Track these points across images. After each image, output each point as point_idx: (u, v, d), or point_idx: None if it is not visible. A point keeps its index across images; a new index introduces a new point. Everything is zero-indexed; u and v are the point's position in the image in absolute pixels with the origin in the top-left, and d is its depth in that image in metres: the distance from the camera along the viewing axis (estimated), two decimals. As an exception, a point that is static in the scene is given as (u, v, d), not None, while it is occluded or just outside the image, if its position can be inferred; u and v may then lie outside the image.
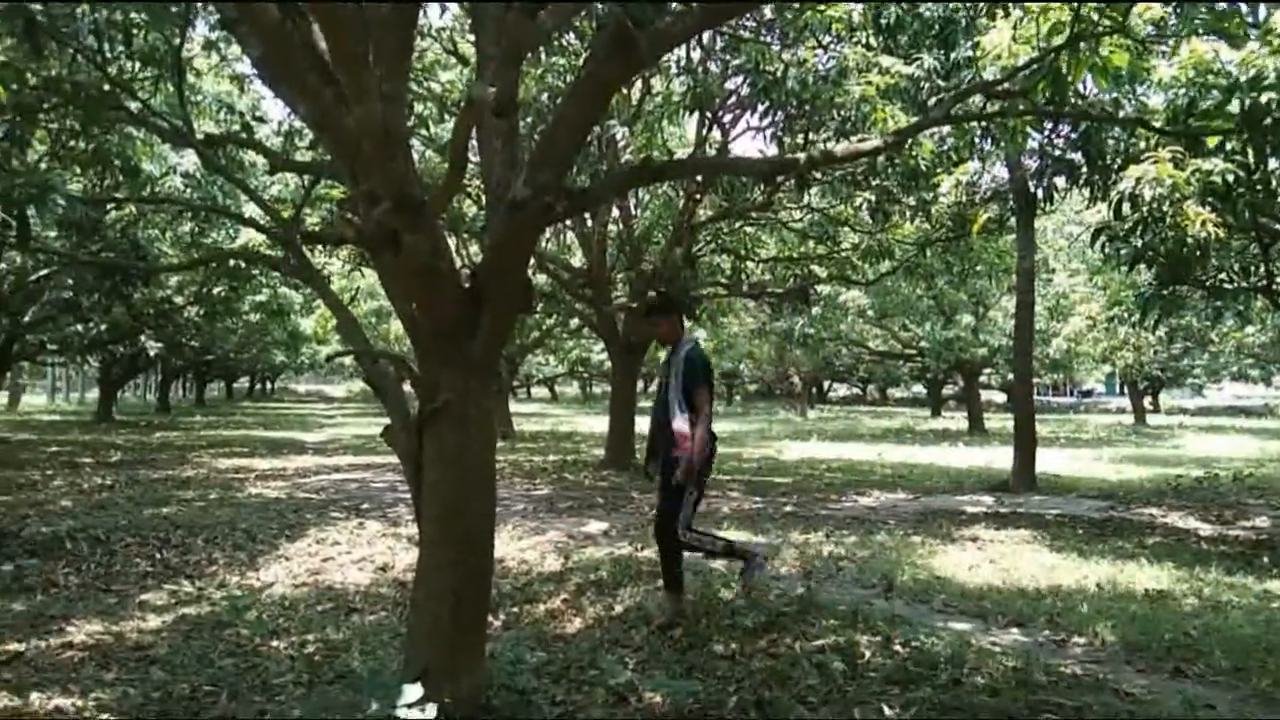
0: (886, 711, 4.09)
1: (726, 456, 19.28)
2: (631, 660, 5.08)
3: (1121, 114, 7.81)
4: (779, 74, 7.86)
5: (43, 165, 14.80)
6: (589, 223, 14.46)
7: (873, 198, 9.84)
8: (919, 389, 51.44)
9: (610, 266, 16.09)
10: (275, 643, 6.23)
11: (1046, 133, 8.31)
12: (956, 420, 33.08)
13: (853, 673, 4.56)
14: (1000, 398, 42.91)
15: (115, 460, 17.10)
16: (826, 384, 61.11)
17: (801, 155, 4.70)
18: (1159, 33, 7.18)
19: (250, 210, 13.48)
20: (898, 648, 4.93)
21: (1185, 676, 4.85)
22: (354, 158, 3.75)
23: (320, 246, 14.70)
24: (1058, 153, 8.12)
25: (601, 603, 6.49)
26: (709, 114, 11.62)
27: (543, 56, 9.16)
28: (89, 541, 9.04)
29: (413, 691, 4.19)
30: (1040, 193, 9.90)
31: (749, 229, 16.68)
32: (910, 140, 8.45)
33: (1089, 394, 64.18)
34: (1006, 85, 5.53)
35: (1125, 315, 15.82)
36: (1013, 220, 12.96)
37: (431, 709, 4.18)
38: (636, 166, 6.93)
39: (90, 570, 8.17)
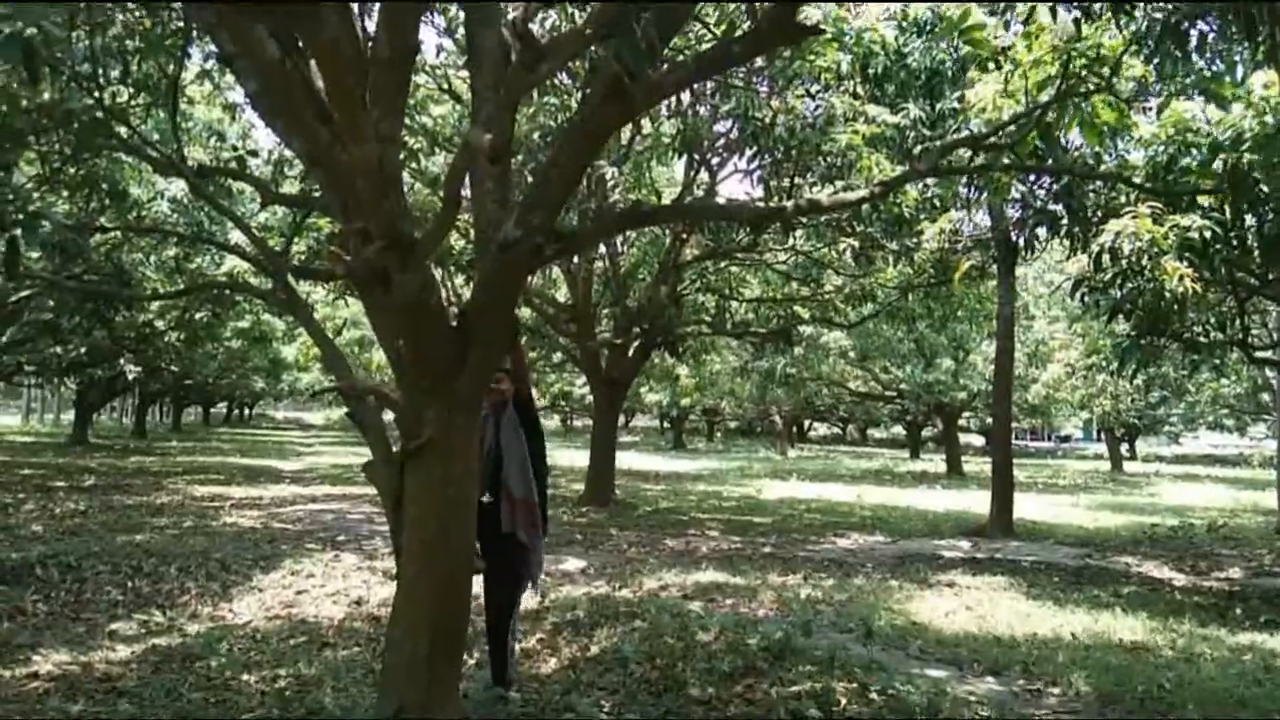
0: (862, 760, 4.08)
1: (705, 495, 19.28)
2: (607, 703, 5.05)
3: (1102, 169, 7.96)
4: (768, 120, 7.96)
5: (29, 188, 14.82)
6: (575, 260, 14.52)
7: (856, 244, 9.95)
8: (899, 430, 51.60)
9: (595, 302, 16.14)
10: (246, 676, 6.15)
11: (1029, 185, 8.44)
12: (935, 462, 33.18)
13: (829, 720, 4.55)
14: (979, 441, 43.14)
15: (89, 485, 16.90)
16: (807, 423, 61.25)
17: (789, 204, 4.76)
18: (1143, 90, 7.35)
19: (236, 237, 13.48)
20: (874, 695, 4.93)
21: (1158, 729, 4.88)
22: (347, 195, 3.79)
23: (315, 280, 14.70)
24: (1040, 204, 8.23)
25: (577, 643, 6.45)
26: (697, 156, 11.76)
27: (534, 95, 9.26)
28: (59, 568, 8.91)
29: (386, 730, 4.17)
30: (1022, 242, 10.03)
31: (734, 269, 16.79)
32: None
33: (1066, 439, 64.57)
34: (994, 139, 5.63)
35: (1103, 364, 15.98)
36: (994, 267, 13.12)
37: (404, 748, 4.16)
38: (625, 211, 7.01)
39: (60, 598, 8.04)
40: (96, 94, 5.12)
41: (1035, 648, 6.52)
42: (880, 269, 14.75)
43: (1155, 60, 6.30)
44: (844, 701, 4.81)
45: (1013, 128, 5.95)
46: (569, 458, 29.38)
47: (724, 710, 4.80)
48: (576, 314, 15.39)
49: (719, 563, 10.04)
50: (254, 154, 8.20)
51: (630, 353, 15.40)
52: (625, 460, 30.30)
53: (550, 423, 62.71)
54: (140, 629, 7.22)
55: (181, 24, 5.35)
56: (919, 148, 8.28)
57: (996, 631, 6.98)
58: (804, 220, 10.02)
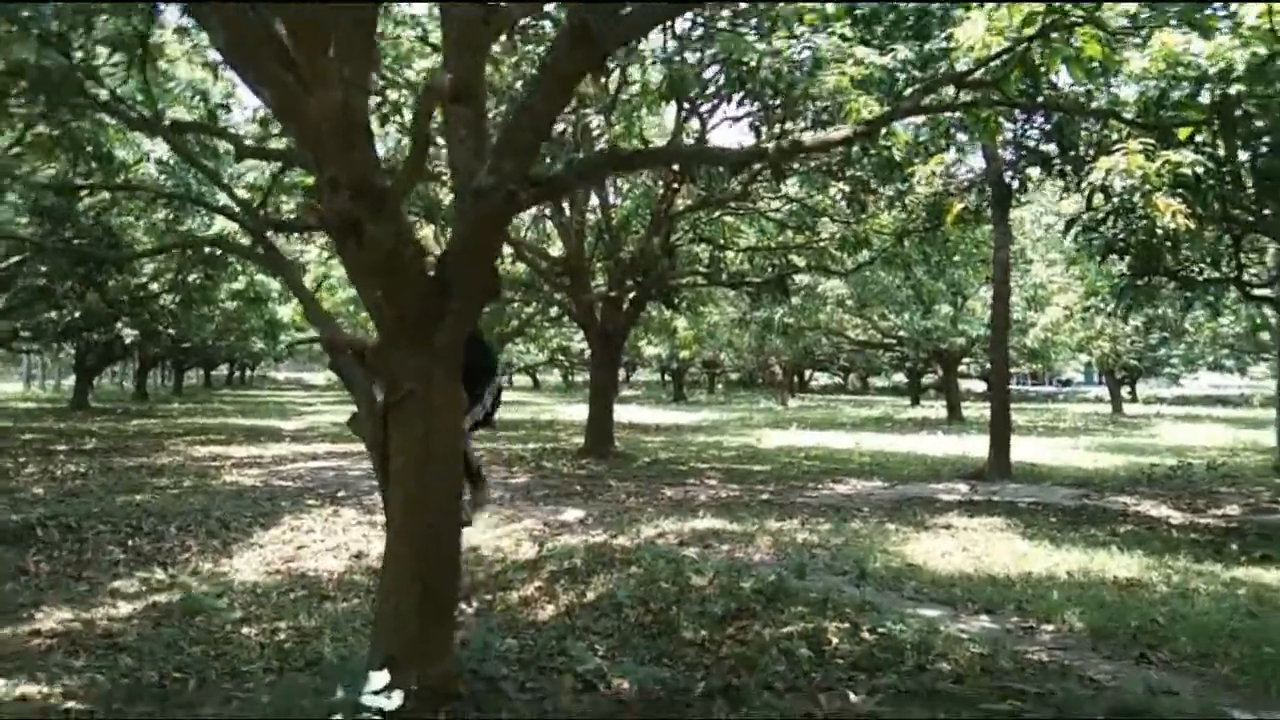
0: (852, 698, 4.12)
1: (705, 445, 19.34)
2: (601, 647, 5.09)
3: (1094, 105, 7.85)
4: (754, 64, 7.84)
5: (11, 152, 14.71)
6: (567, 212, 14.43)
7: (847, 188, 9.84)
8: (899, 378, 51.65)
9: (589, 255, 16.05)
10: (246, 630, 6.21)
11: (1020, 124, 8.34)
12: (935, 409, 33.24)
13: (820, 659, 4.59)
14: (979, 386, 43.15)
15: (90, 448, 16.94)
16: (808, 373, 61.27)
17: (771, 145, 4.70)
18: (1132, 25, 7.21)
19: (224, 199, 13.38)
20: (866, 635, 4.97)
21: (1150, 663, 4.92)
22: (316, 145, 3.73)
23: (297, 234, 14.59)
24: (1032, 144, 8.14)
25: (574, 590, 6.50)
26: (686, 104, 11.61)
27: (518, 45, 9.13)
28: (60, 529, 8.97)
29: (378, 679, 4.19)
30: (1015, 184, 9.94)
31: (728, 219, 16.68)
32: (884, 131, 8.45)
33: (1068, 383, 64.61)
34: (979, 76, 5.54)
35: (1101, 305, 15.91)
36: (989, 210, 12.99)
37: (397, 696, 4.18)
38: (603, 154, 6.92)
39: (61, 558, 8.11)
40: (67, 52, 5.04)
41: (1030, 586, 6.56)
42: (875, 215, 14.64)
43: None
44: (835, 641, 4.85)
45: (997, 64, 5.85)
46: (569, 412, 29.49)
47: (716, 651, 4.84)
48: (570, 267, 15.31)
49: (716, 510, 10.09)
50: (225, 108, 8.10)
51: (625, 305, 15.35)
52: (626, 414, 30.37)
53: (550, 378, 62.95)
54: (141, 586, 7.28)
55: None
56: (910, 89, 8.16)
57: (992, 571, 7.03)
58: (794, 165, 9.92)
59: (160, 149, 16.03)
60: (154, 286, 23.67)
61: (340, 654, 5.51)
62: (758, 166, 10.73)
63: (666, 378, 51.09)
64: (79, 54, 5.19)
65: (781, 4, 7.48)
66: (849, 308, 27.82)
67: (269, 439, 19.92)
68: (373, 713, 4.07)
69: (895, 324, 28.60)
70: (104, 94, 5.30)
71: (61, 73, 4.99)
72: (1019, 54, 5.82)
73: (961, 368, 32.87)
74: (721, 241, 16.50)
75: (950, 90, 5.65)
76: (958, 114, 7.81)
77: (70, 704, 4.91)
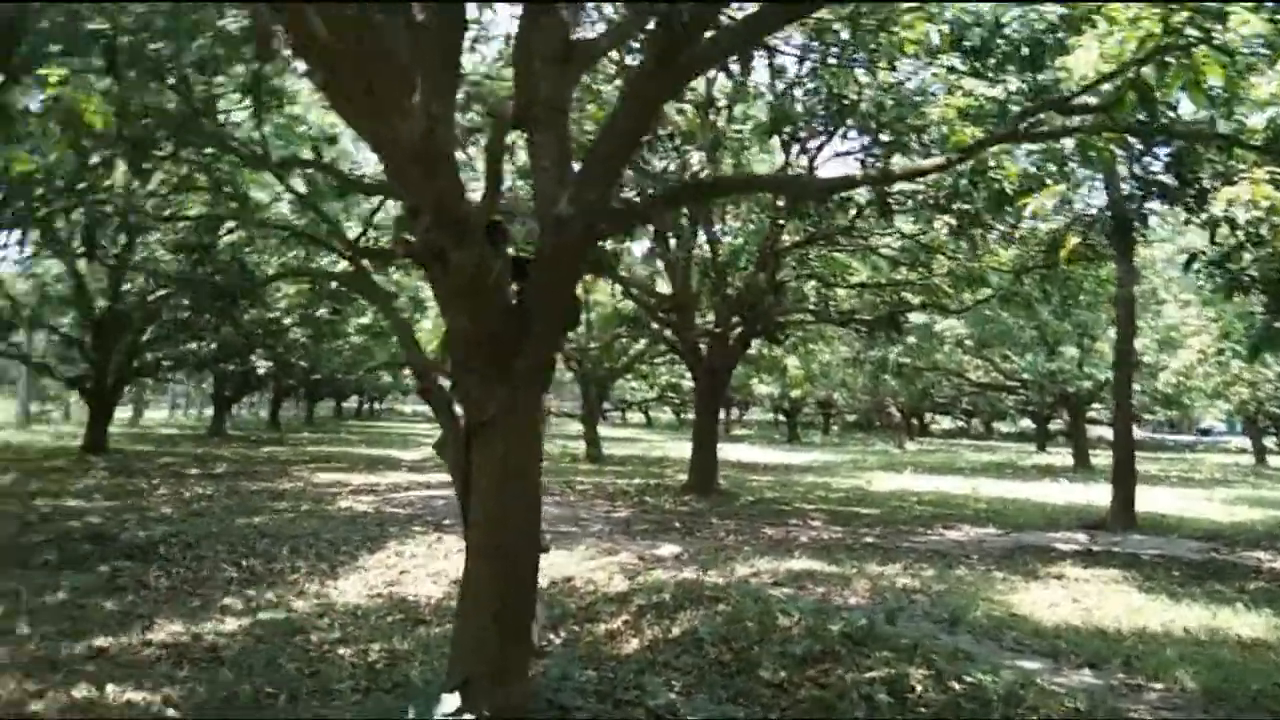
0: (930, 747, 3.94)
1: (813, 486, 18.98)
2: (678, 683, 5.02)
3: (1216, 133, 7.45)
4: (855, 97, 7.75)
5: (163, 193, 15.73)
6: (674, 248, 14.50)
7: (954, 221, 9.58)
8: (1026, 423, 49.66)
9: (696, 292, 16.06)
10: (342, 650, 6.36)
11: (1139, 155, 7.98)
12: (1062, 456, 31.83)
13: (901, 707, 4.41)
14: (1111, 433, 41.02)
15: (219, 472, 17.79)
16: (928, 416, 59.56)
17: (859, 173, 4.62)
18: (1261, 46, 6.84)
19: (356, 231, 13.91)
20: (953, 684, 4.75)
21: (1268, 728, 4.54)
22: (401, 175, 3.86)
23: (393, 263, 15.04)
24: (1151, 176, 7.77)
25: (660, 625, 6.43)
26: (790, 138, 11.52)
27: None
28: (180, 547, 9.41)
29: (450, 701, 4.23)
30: (1138, 218, 9.50)
31: (838, 255, 16.45)
32: (993, 163, 8.23)
33: (1207, 432, 60.94)
34: (1084, 100, 5.33)
35: (1236, 348, 14.99)
36: (1111, 246, 12.43)
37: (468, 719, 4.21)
38: (681, 184, 6.92)
39: (179, 574, 8.49)
40: (187, 93, 5.39)
41: (1142, 642, 6.16)
42: (991, 251, 14.22)
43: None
44: (919, 689, 4.65)
45: (1108, 87, 5.62)
46: (679, 449, 29.42)
47: (794, 693, 4.70)
48: (676, 303, 15.35)
49: (815, 551, 9.86)
50: (332, 141, 8.46)
51: (731, 342, 15.26)
52: (736, 453, 30.13)
53: (663, 415, 62.88)
54: (249, 604, 7.54)
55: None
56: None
57: (1101, 624, 6.63)
58: (901, 199, 9.72)
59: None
60: (286, 320, 24.81)
61: (425, 677, 5.59)
62: (864, 202, 10.58)
63: (780, 418, 50.44)
64: (201, 95, 5.56)
65: (884, 35, 7.36)
66: (968, 348, 26.98)
67: (387, 468, 20.52)
68: (444, 735, 4.11)
69: (1018, 366, 27.56)
70: (223, 132, 5.65)
71: (183, 114, 5.34)
72: (1130, 78, 5.59)
73: (1093, 413, 31.38)
74: (832, 278, 16.27)
75: (1060, 119, 5.42)
76: (1071, 144, 7.55)
77: (170, 711, 5.12)
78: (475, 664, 4.44)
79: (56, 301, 22.62)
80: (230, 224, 15.25)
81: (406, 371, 42.47)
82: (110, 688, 5.41)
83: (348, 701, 5.37)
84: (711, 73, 11.63)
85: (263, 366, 27.19)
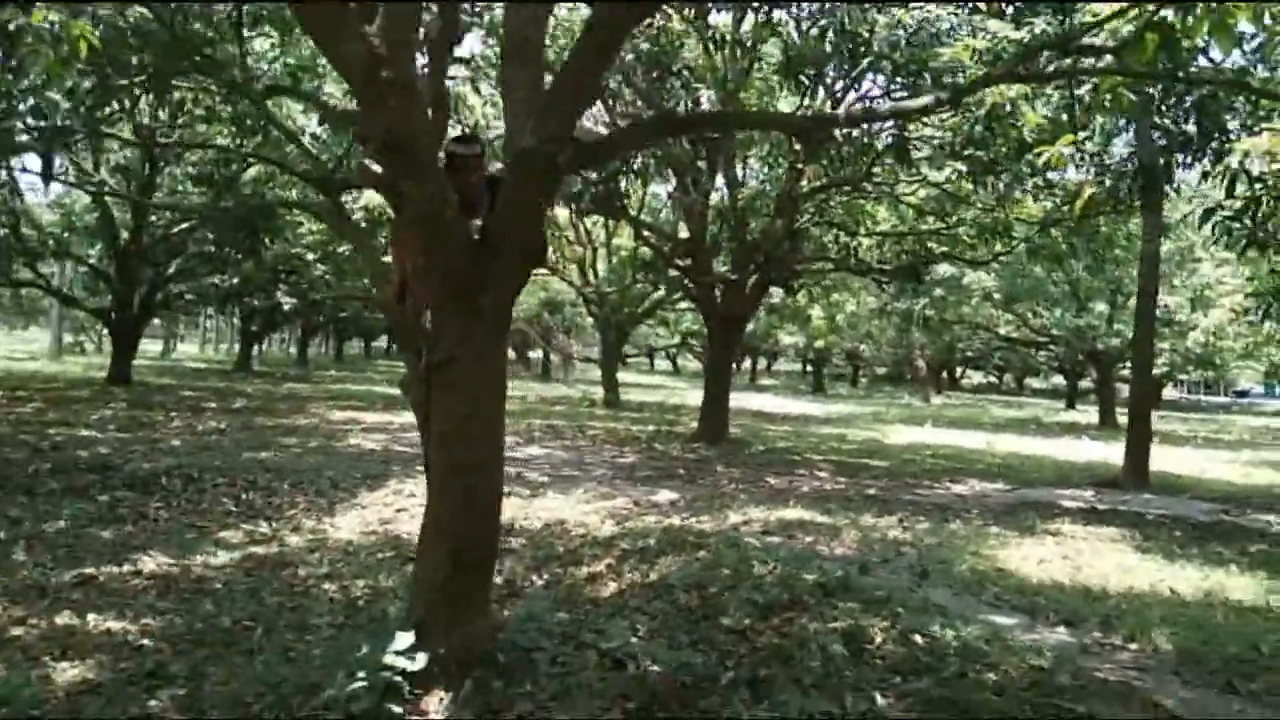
0: (879, 700, 3.87)
1: (827, 437, 18.87)
2: (644, 628, 5.00)
3: (1250, 82, 7.10)
4: (866, 35, 7.48)
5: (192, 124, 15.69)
6: (691, 193, 14.26)
7: (963, 167, 9.29)
8: (1059, 380, 49.01)
9: (714, 238, 15.84)
10: (327, 585, 6.41)
11: (1163, 104, 7.65)
12: (1090, 414, 31.41)
13: (857, 659, 4.34)
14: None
15: (237, 407, 17.98)
16: (959, 370, 59.00)
17: (841, 111, 4.43)
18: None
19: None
20: (915, 637, 4.67)
21: (1237, 693, 4.42)
22: (357, 100, 3.75)
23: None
24: (1170, 126, 7.45)
25: (640, 570, 6.42)
26: (810, 81, 11.16)
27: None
28: (183, 479, 9.51)
29: (404, 639, 4.21)
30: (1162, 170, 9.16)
31: (861, 201, 16.10)
32: (1009, 109, 7.94)
33: (1244, 394, 59.90)
34: (1089, 42, 5.07)
35: (1264, 307, 14.55)
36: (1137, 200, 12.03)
37: (421, 658, 4.19)
38: (656, 119, 6.72)
39: (179, 506, 8.60)
40: (170, 23, 5.29)
41: (1126, 601, 6.04)
42: (1018, 202, 13.86)
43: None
44: (879, 640, 4.58)
45: (1126, 30, 5.33)
46: (699, 397, 29.40)
47: (754, 641, 4.66)
48: (691, 248, 15.16)
49: (813, 501, 9.79)
50: (306, 70, 8.35)
51: (747, 289, 15.06)
52: (758, 402, 30.04)
53: (690, 362, 62.83)
54: (245, 538, 7.63)
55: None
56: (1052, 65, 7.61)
57: (1088, 583, 6.52)
58: (914, 147, 9.42)
59: (313, 124, 16.79)
60: (310, 256, 24.86)
61: (403, 613, 5.61)
62: (882, 147, 10.29)
63: (807, 369, 50.19)
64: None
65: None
66: (996, 302, 26.52)
67: (403, 406, 20.61)
68: (395, 673, 4.11)
69: (1047, 321, 27.09)
70: (208, 60, 5.56)
71: (164, 39, 5.26)
72: (1149, 19, 5.29)
73: (1124, 371, 30.85)
74: (853, 226, 15.94)
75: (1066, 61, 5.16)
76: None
77: (145, 641, 5.18)
78: (433, 603, 4.43)
79: (83, 233, 22.82)
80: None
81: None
82: (91, 616, 5.49)
83: (321, 637, 5.39)
84: (734, 11, 11.37)
85: (287, 303, 27.31)
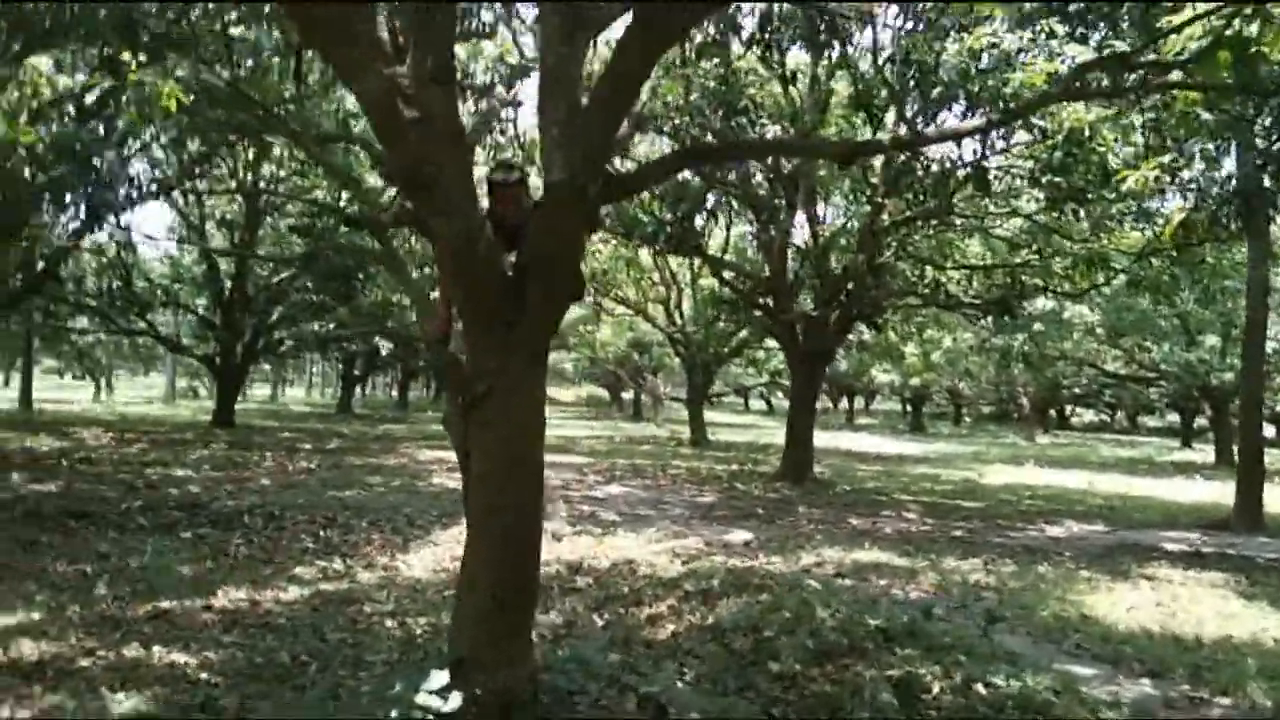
0: (927, 754, 3.63)
1: (920, 477, 18.28)
2: (692, 672, 4.83)
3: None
4: (931, 62, 7.28)
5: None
6: (771, 230, 14.12)
7: (1041, 195, 8.93)
8: (1174, 418, 46.62)
9: (796, 274, 15.62)
10: (390, 622, 6.43)
11: (1252, 120, 7.22)
12: (1207, 452, 29.77)
13: (909, 709, 4.09)
14: (1268, 430, 38.12)
15: (331, 447, 18.43)
16: (1068, 408, 56.71)
17: (886, 136, 4.28)
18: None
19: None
20: (978, 687, 4.38)
21: (1340, 757, 4.01)
22: (378, 136, 3.77)
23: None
24: (1267, 145, 7.02)
25: (700, 612, 6.25)
26: (881, 112, 10.93)
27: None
28: (265, 517, 9.73)
29: (437, 679, 4.15)
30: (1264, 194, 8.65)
31: (949, 235, 15.70)
32: (1089, 134, 7.63)
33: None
34: (1156, 58, 4.81)
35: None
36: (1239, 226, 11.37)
37: (456, 698, 4.12)
38: (682, 150, 6.61)
39: (258, 543, 8.77)
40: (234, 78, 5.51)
41: (1221, 652, 5.59)
42: (1113, 231, 13.31)
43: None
44: (936, 690, 4.31)
45: (1196, 45, 5.05)
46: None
47: (805, 688, 4.44)
48: (772, 286, 14.96)
49: (894, 543, 9.43)
50: (357, 116, 8.55)
51: (829, 326, 14.77)
52: (852, 442, 29.41)
53: (784, 401, 62.00)
54: (318, 574, 7.72)
55: None
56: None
57: (1180, 631, 6.06)
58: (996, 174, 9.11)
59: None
60: (405, 302, 25.48)
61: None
62: (962, 177, 10.02)
63: (907, 408, 48.97)
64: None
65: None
66: (1100, 336, 25.41)
67: (492, 448, 20.81)
68: (429, 712, 4.04)
69: (1156, 356, 25.82)
70: (270, 113, 5.77)
71: (223, 90, 5.47)
72: (1219, 30, 5.00)
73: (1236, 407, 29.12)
74: (938, 260, 15.52)
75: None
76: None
77: (203, 674, 5.25)
78: (471, 643, 4.36)
79: (191, 283, 23.93)
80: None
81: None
82: (157, 649, 5.60)
83: (373, 674, 5.38)
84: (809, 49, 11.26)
85: (385, 347, 28.03)
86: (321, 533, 9.29)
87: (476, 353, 4.27)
